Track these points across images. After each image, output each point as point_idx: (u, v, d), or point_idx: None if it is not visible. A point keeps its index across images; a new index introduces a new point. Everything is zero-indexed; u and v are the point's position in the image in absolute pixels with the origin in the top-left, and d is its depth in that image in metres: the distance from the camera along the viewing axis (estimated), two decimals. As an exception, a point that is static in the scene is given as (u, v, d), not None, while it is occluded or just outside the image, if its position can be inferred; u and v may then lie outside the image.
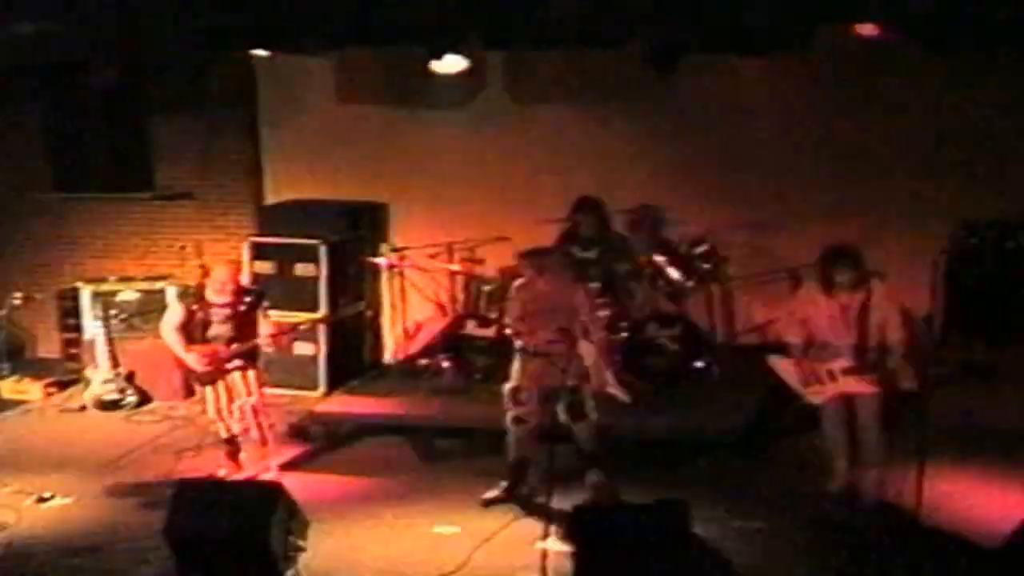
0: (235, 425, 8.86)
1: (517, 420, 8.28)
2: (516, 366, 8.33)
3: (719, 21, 8.61)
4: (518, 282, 8.46)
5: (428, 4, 9.09)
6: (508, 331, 8.53)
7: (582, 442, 8.31)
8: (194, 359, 8.71)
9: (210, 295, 8.75)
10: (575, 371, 8.12)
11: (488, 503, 8.28)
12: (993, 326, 9.43)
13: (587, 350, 8.21)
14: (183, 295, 9.11)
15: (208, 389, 8.82)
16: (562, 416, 8.23)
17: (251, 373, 8.82)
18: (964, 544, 7.39)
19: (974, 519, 7.75)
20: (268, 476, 8.74)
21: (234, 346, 8.69)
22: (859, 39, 8.81)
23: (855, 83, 10.29)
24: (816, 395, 8.12)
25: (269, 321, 8.96)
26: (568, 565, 6.83)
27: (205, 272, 8.86)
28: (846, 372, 7.96)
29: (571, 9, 8.78)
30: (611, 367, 8.55)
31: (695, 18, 8.65)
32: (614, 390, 8.40)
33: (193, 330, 8.73)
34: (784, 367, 8.21)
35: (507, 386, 8.33)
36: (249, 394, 8.81)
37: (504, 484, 8.34)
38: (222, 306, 8.73)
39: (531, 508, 8.11)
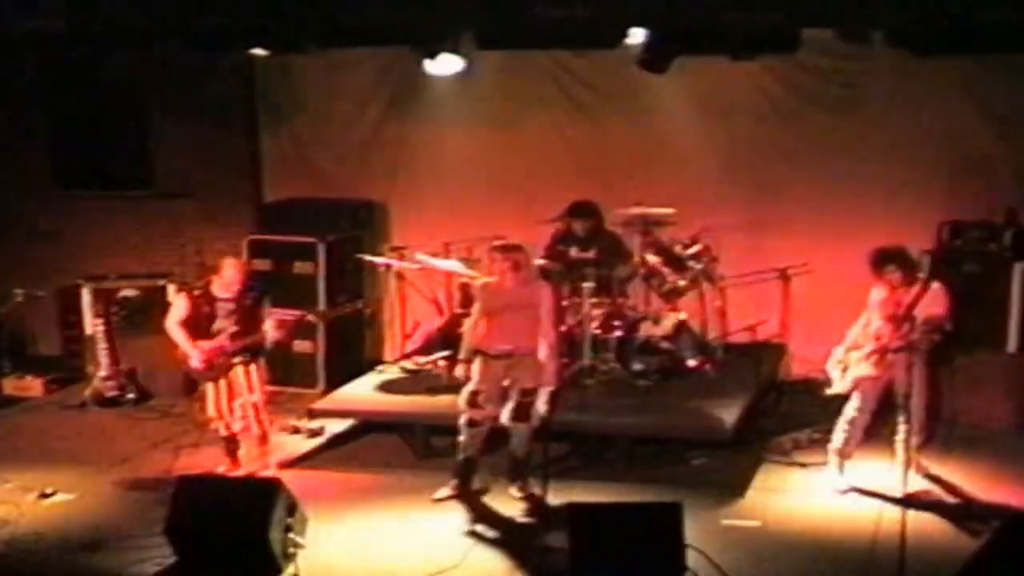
0: (235, 423, 8.96)
1: (471, 422, 8.36)
2: (476, 367, 8.39)
3: (707, 22, 8.70)
4: (481, 281, 8.52)
5: (425, 4, 9.16)
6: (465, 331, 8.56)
7: (515, 446, 8.39)
8: (199, 353, 8.79)
9: (216, 290, 8.84)
10: (535, 372, 8.23)
11: (439, 501, 8.39)
12: (975, 326, 9.55)
13: (542, 350, 8.28)
14: (187, 290, 9.16)
15: (209, 386, 8.88)
16: (505, 417, 8.33)
17: (253, 369, 8.90)
18: (952, 540, 7.55)
19: (958, 516, 7.91)
20: (267, 473, 8.85)
21: (233, 340, 8.77)
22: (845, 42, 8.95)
23: (841, 86, 10.42)
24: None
25: (273, 316, 9.03)
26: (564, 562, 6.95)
27: (214, 268, 8.92)
28: (868, 356, 8.17)
29: (567, 9, 8.87)
30: (557, 369, 8.47)
31: (684, 19, 8.75)
32: (541, 401, 8.21)
33: (198, 324, 8.82)
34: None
35: (466, 388, 8.38)
36: (251, 391, 8.88)
37: (454, 482, 8.47)
38: (227, 300, 8.82)
39: (529, 505, 8.25)
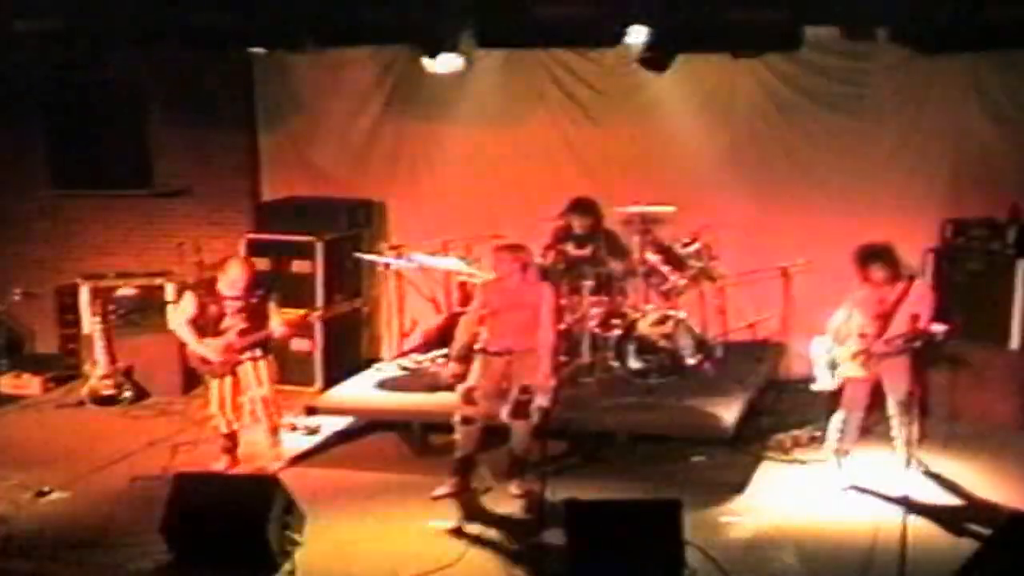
0: (235, 422, 8.97)
1: (465, 420, 8.34)
2: (476, 366, 8.37)
3: (708, 20, 8.68)
4: (482, 280, 8.51)
5: (425, 3, 9.15)
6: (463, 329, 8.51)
7: (515, 443, 8.37)
8: (209, 351, 8.81)
9: (223, 288, 8.87)
10: (534, 370, 8.20)
11: (437, 499, 8.36)
12: (979, 324, 9.55)
13: (541, 348, 8.26)
14: (194, 288, 9.18)
15: (215, 383, 8.92)
16: (504, 414, 8.31)
17: (262, 364, 8.93)
18: (952, 540, 7.52)
19: (958, 516, 7.89)
20: (277, 466, 8.89)
21: (242, 336, 8.79)
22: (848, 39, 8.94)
23: (843, 83, 10.40)
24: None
25: (279, 312, 9.05)
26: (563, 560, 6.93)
27: (220, 266, 8.95)
28: (853, 356, 8.12)
29: (567, 8, 8.85)
30: (552, 370, 8.39)
31: (685, 17, 8.73)
32: (540, 397, 8.19)
33: (206, 323, 8.85)
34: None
35: (462, 385, 8.36)
36: (260, 385, 8.92)
37: (452, 480, 8.44)
38: (235, 298, 8.86)
39: (528, 503, 8.23)
